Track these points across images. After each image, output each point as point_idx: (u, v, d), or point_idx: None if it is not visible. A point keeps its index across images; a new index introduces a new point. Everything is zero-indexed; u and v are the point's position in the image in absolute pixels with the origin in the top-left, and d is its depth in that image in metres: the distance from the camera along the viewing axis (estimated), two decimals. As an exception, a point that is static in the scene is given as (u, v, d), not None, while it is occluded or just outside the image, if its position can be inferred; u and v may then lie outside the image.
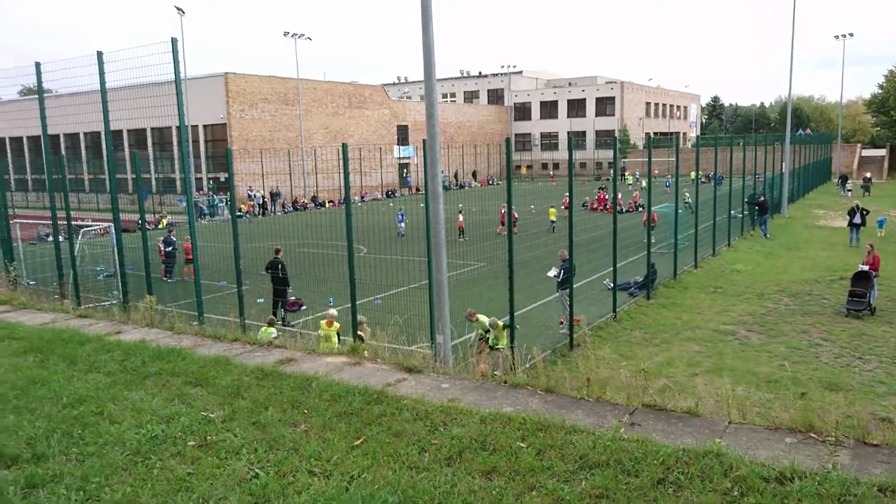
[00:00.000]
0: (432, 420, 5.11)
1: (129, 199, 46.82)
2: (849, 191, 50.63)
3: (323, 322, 12.59)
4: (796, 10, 54.47)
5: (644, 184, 53.26)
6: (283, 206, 48.74)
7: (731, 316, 18.07)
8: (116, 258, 21.66)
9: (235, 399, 5.80)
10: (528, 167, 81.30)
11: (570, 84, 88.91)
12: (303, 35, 53.12)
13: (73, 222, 17.61)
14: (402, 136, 67.02)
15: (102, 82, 14.90)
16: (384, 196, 57.89)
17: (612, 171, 70.14)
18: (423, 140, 12.04)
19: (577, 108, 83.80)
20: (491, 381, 5.96)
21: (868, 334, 16.00)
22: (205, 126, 49.97)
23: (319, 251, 26.91)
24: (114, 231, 23.43)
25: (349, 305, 18.91)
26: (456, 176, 70.68)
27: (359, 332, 11.30)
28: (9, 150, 59.98)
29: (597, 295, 20.42)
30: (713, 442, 4.44)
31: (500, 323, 13.46)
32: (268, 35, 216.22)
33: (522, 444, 4.63)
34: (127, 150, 54.39)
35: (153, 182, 50.98)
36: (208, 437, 5.08)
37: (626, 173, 69.19)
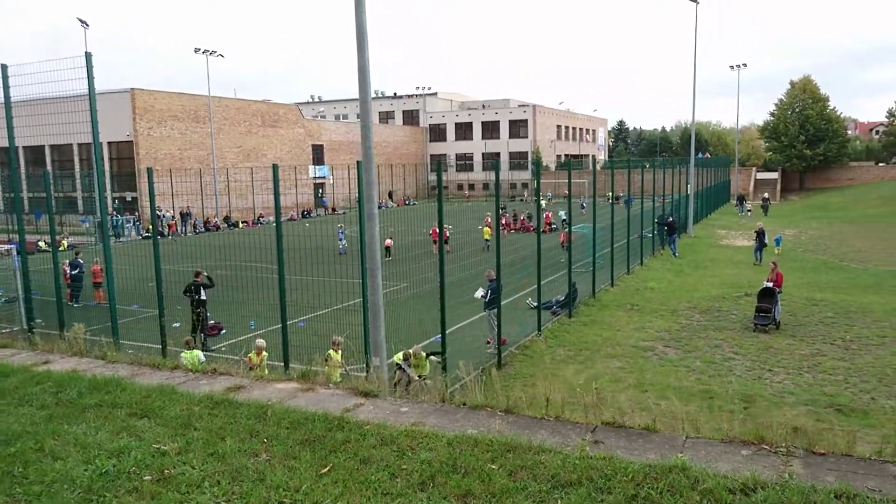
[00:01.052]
0: (398, 445, 5.08)
1: (25, 219, 44.21)
2: (748, 210, 53.81)
3: (252, 353, 12.20)
4: (697, 44, 57.76)
5: (544, 204, 54.85)
6: (195, 227, 47.15)
7: (649, 332, 18.78)
8: (20, 282, 20.43)
9: (187, 430, 5.57)
10: (445, 187, 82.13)
11: (483, 106, 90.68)
12: (214, 52, 51.87)
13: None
14: (318, 155, 66.38)
15: (7, 96, 14.12)
16: (300, 216, 56.98)
17: (529, 192, 71.51)
18: (358, 161, 12.02)
19: (491, 129, 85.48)
20: (450, 404, 5.99)
21: (775, 347, 16.99)
22: (109, 143, 47.79)
23: (235, 273, 26.18)
24: (15, 253, 22.11)
25: (273, 328, 18.54)
26: (372, 196, 70.39)
27: (330, 352, 10.92)
28: None
29: (520, 314, 20.80)
30: (676, 457, 4.63)
31: (423, 353, 13.30)
32: (177, 52, 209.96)
33: (493, 466, 4.68)
34: (23, 167, 51.32)
35: (52, 201, 48.25)
36: (165, 471, 4.85)
37: (544, 195, 70.98)
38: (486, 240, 34.51)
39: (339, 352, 10.96)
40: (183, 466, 4.94)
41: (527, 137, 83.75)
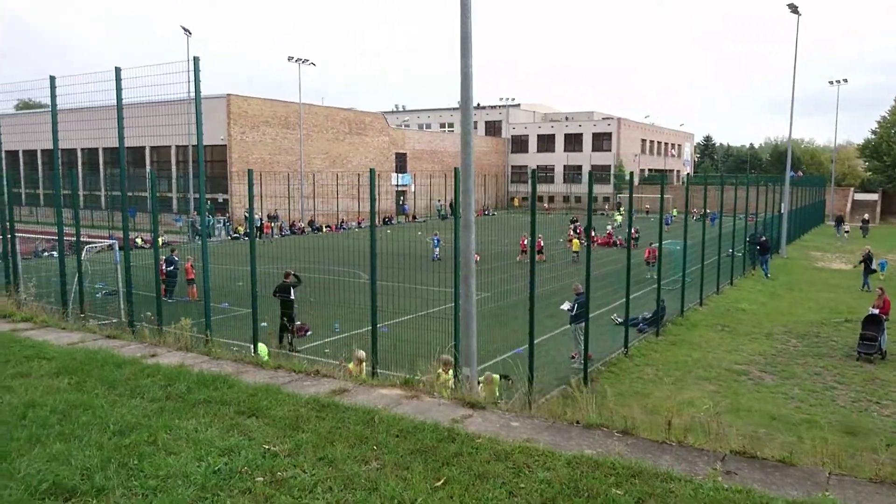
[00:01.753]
0: (514, 461, 4.85)
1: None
2: (846, 232, 51.04)
3: (352, 364, 12.17)
4: (797, 58, 55.37)
5: (619, 220, 53.48)
6: (281, 230, 48.41)
7: (742, 355, 17.96)
8: (121, 276, 21.32)
9: (296, 432, 5.51)
10: (524, 199, 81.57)
11: (567, 118, 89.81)
12: (306, 60, 53.29)
13: (72, 238, 17.25)
14: (401, 163, 67.12)
15: (119, 98, 14.66)
16: (381, 223, 57.70)
17: (610, 206, 70.09)
18: (456, 169, 11.92)
19: (574, 142, 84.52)
20: (562, 421, 5.72)
21: (881, 379, 15.90)
22: (204, 146, 49.77)
23: (320, 276, 26.63)
24: (117, 249, 23.14)
25: (357, 332, 18.62)
26: (452, 205, 70.71)
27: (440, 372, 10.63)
28: (21, 164, 59.15)
29: (605, 330, 20.28)
30: (823, 495, 4.22)
31: (495, 375, 12.81)
32: (270, 59, 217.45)
33: (618, 491, 4.38)
34: (100, 166, 54.03)
35: (156, 202, 50.47)
36: (277, 474, 4.78)
37: (621, 209, 69.59)
38: (575, 252, 34.00)
39: (450, 371, 10.69)
40: (294, 469, 4.86)
41: (610, 150, 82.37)
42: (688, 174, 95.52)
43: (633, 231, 41.28)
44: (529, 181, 12.65)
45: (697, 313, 23.14)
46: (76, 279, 17.77)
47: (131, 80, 14.66)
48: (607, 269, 25.85)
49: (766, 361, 17.48)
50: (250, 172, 13.17)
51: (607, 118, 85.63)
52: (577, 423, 5.62)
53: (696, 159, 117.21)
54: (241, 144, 50.51)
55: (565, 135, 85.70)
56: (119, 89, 14.59)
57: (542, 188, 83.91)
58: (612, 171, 79.88)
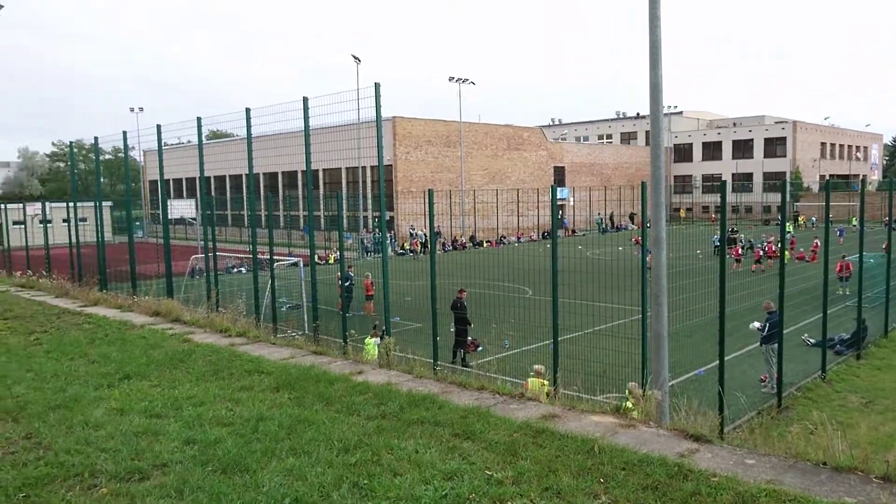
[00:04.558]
0: (762, 507, 4.42)
1: (297, 234, 49.51)
2: None
3: (530, 378, 12.02)
4: None
5: (791, 231, 48.95)
6: (443, 246, 49.50)
7: (964, 382, 15.82)
8: (305, 291, 22.67)
9: (515, 458, 5.40)
10: (688, 210, 77.87)
11: (735, 124, 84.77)
12: (466, 80, 54.38)
13: (258, 256, 18.54)
14: (559, 177, 66.51)
15: (307, 125, 15.59)
16: (540, 237, 57.39)
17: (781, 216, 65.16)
18: (643, 182, 11.46)
19: (743, 148, 79.60)
20: (804, 460, 5.17)
21: None
22: (372, 167, 52.10)
23: (485, 291, 26.78)
24: (301, 266, 24.63)
25: (526, 348, 18.43)
26: (612, 218, 68.94)
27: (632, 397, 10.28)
28: (213, 188, 65.26)
29: (797, 352, 18.71)
30: None
31: (639, 390, 11.97)
32: (428, 79, 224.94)
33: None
34: (278, 189, 57.76)
35: (321, 219, 53.68)
36: (507, 503, 4.68)
37: (800, 218, 64.37)
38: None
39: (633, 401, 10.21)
40: (521, 499, 4.74)
41: (784, 157, 76.65)
42: (876, 178, 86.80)
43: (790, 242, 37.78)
44: (720, 193, 11.86)
45: (905, 335, 20.80)
46: (266, 294, 19.12)
47: (313, 109, 15.61)
48: (795, 286, 23.88)
49: None
50: (430, 193, 13.44)
51: (780, 122, 79.85)
52: (824, 464, 5.05)
53: (886, 162, 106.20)
54: (406, 164, 52.38)
55: (733, 141, 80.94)
56: (306, 117, 15.51)
57: (709, 198, 79.71)
58: (787, 179, 74.21)
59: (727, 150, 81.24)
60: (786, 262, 12.89)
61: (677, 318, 22.13)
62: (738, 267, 34.95)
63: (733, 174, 78.70)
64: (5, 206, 31.86)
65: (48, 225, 24.44)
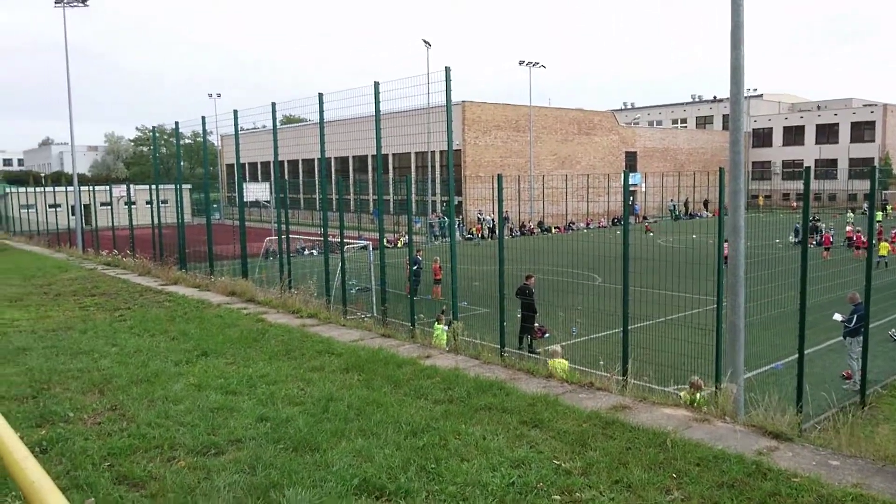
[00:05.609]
0: (848, 512, 4.21)
1: (366, 218, 50.17)
2: None
3: (684, 393, 11.64)
4: None
5: (851, 218, 46.24)
6: (511, 231, 49.25)
7: None
8: (374, 274, 22.96)
9: (584, 449, 5.31)
10: (767, 197, 74.90)
11: (819, 108, 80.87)
12: (537, 63, 53.65)
13: (329, 238, 18.79)
14: (630, 162, 65.03)
15: (377, 111, 15.66)
16: (609, 224, 56.36)
17: (879, 204, 61.93)
18: (721, 168, 11.05)
19: (827, 133, 75.89)
20: (893, 464, 4.90)
21: None
22: (441, 152, 52.15)
23: (553, 277, 26.49)
24: (370, 249, 24.95)
25: (594, 336, 18.15)
26: (686, 205, 67.03)
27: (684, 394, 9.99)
28: (286, 172, 66.80)
29: (883, 347, 17.81)
30: None
31: (562, 361, 11.88)
32: (497, 64, 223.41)
33: None
34: (349, 173, 58.43)
35: (391, 203, 54.22)
36: (575, 494, 4.61)
37: (889, 207, 61.05)
38: (882, 256, 30.46)
39: (699, 394, 9.88)
40: (590, 491, 4.66)
41: (873, 142, 72.70)
42: None
43: (857, 236, 35.65)
44: (803, 180, 11.28)
45: None
46: (337, 277, 19.42)
47: (383, 94, 15.68)
48: (882, 278, 22.69)
49: None
50: (499, 178, 13.31)
51: (869, 105, 75.67)
52: (917, 469, 4.77)
53: None
54: (475, 148, 52.22)
55: (817, 126, 77.22)
56: (377, 102, 15.60)
57: (789, 185, 76.51)
58: (875, 165, 70.42)
59: (810, 134, 77.63)
60: (885, 253, 12.15)
61: (754, 310, 21.40)
62: (827, 256, 33.50)
63: (816, 160, 75.16)
64: (93, 188, 33.43)
65: (132, 206, 25.50)
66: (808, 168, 12.57)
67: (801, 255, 11.57)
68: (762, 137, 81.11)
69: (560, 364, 12.07)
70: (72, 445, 5.55)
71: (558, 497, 4.61)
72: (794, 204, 73.43)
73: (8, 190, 41.68)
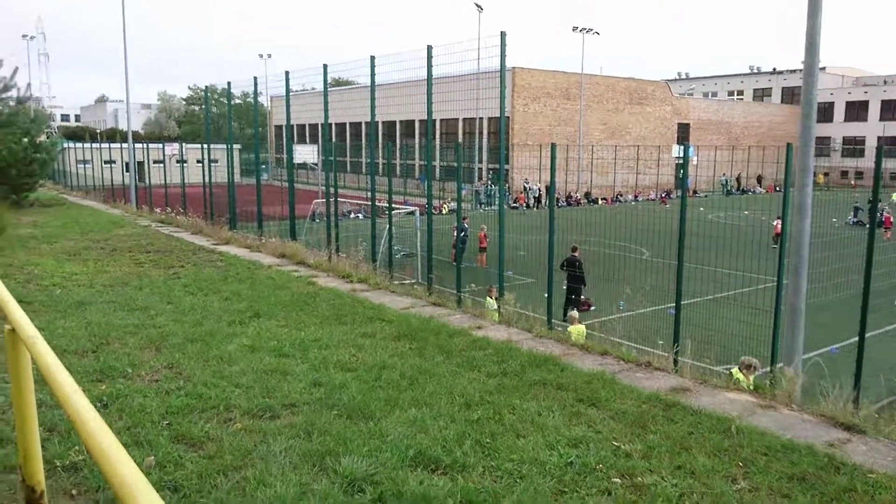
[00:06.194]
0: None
1: (412, 183, 50.01)
2: None
3: (735, 370, 11.35)
4: None
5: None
6: (557, 201, 48.62)
7: None
8: (418, 240, 22.93)
9: (644, 431, 5.17)
10: (825, 174, 72.37)
11: (885, 82, 77.36)
12: (591, 30, 52.34)
13: (380, 204, 18.71)
14: (683, 134, 63.39)
15: (430, 75, 15.39)
16: (658, 197, 55.23)
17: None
18: (788, 144, 10.56)
19: (893, 109, 72.71)
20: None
21: None
22: (489, 119, 51.50)
23: (600, 249, 26.09)
24: (417, 215, 24.89)
25: (642, 311, 17.83)
26: (738, 180, 65.24)
27: (735, 373, 9.72)
28: (334, 134, 67.04)
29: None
30: None
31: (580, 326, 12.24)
32: (545, 29, 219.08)
33: None
34: (395, 137, 58.23)
35: (437, 169, 53.88)
36: (635, 478, 4.48)
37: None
38: None
39: (751, 377, 9.56)
40: (652, 475, 4.52)
41: (943, 119, 69.50)
42: None
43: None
44: (875, 158, 10.70)
45: None
46: (383, 242, 19.42)
47: (434, 59, 15.42)
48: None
49: None
50: (553, 147, 12.97)
51: (941, 80, 72.20)
52: None
53: None
54: (524, 116, 51.44)
55: (882, 101, 73.99)
56: (430, 66, 15.33)
57: (850, 163, 73.78)
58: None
59: (874, 110, 74.48)
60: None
61: (812, 292, 20.75)
62: (889, 236, 32.25)
63: (879, 137, 72.17)
64: (147, 146, 33.98)
65: (184, 165, 25.81)
66: (882, 146, 11.95)
67: (868, 235, 11.05)
68: (822, 112, 77.86)
69: (577, 329, 12.21)
70: (131, 402, 5.63)
71: (618, 480, 4.49)
72: (854, 182, 70.80)
73: (66, 145, 42.65)
